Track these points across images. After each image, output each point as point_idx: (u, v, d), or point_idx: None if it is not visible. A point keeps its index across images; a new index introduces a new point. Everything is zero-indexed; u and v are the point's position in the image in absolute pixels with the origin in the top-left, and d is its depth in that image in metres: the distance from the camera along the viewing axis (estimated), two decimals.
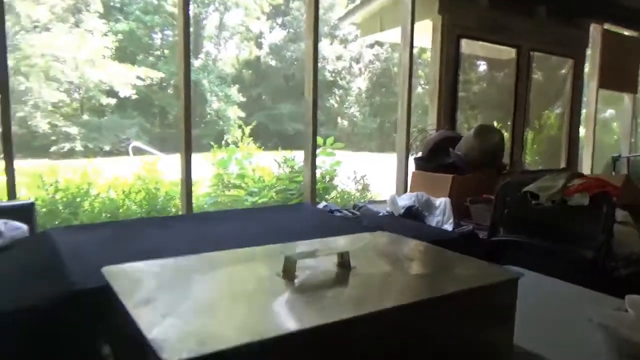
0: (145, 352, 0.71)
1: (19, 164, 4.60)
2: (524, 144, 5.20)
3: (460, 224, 3.01)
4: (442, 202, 3.11)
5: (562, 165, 5.46)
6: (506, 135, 5.02)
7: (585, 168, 5.57)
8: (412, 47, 3.98)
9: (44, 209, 3.66)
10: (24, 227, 2.26)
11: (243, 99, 16.44)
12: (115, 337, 0.79)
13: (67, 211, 3.72)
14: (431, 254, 1.16)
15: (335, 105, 18.89)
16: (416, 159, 3.85)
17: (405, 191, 3.82)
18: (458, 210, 3.17)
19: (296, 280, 0.90)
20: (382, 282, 0.94)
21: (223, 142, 5.23)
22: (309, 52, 3.57)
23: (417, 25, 4.01)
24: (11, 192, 2.74)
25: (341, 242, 1.22)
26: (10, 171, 2.75)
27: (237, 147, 5.20)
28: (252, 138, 5.57)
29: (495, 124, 4.99)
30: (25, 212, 2.41)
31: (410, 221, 2.82)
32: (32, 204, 2.46)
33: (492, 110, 5.55)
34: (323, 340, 0.72)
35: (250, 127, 5.71)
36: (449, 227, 2.92)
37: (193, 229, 2.04)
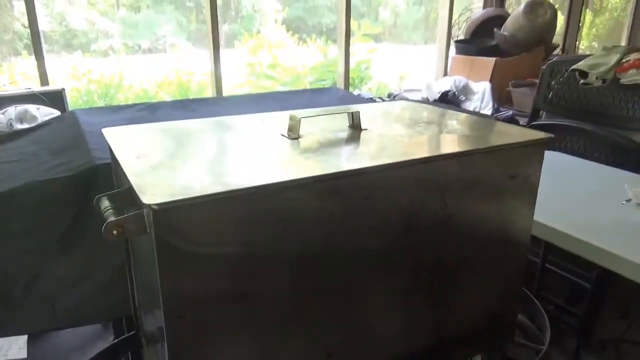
0: (135, 201, 0.70)
1: (60, 60, 4.64)
2: (580, 26, 4.72)
3: (499, 110, 2.84)
4: (481, 87, 2.92)
5: None
6: (561, 17, 4.55)
7: None
8: None
9: (80, 101, 3.73)
10: (56, 112, 2.30)
11: None
12: (116, 194, 0.78)
13: (102, 102, 3.78)
14: (454, 118, 1.06)
15: None
16: (457, 42, 3.58)
17: (445, 77, 3.61)
18: (499, 96, 2.98)
19: (301, 139, 0.85)
20: (394, 141, 0.87)
21: (255, 30, 5.01)
22: None
23: None
24: (43, 80, 2.77)
25: (356, 108, 1.14)
26: (40, 61, 2.76)
27: (270, 36, 4.99)
28: (285, 26, 5.31)
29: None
30: (56, 98, 2.44)
31: (446, 106, 2.68)
32: (62, 90, 2.48)
33: None
34: (315, 193, 0.67)
35: (283, 14, 5.42)
36: (487, 112, 2.76)
37: (218, 109, 2.00)
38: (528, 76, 2.98)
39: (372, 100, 2.89)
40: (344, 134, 0.90)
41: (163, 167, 0.70)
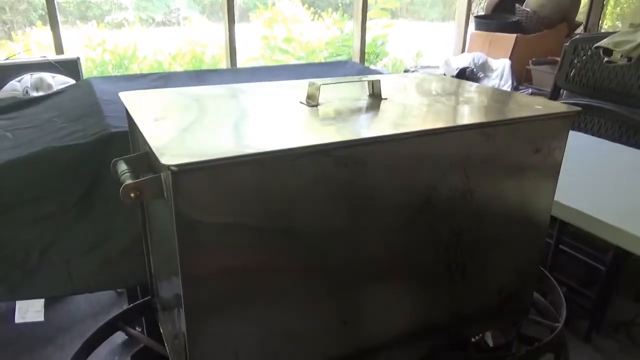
0: (153, 165, 0.69)
1: (74, 31, 4.63)
2: (605, 4, 4.57)
3: (518, 88, 2.78)
4: (501, 64, 2.85)
5: None
6: None
7: None
8: None
9: (95, 71, 3.73)
10: (72, 80, 2.30)
11: None
12: (133, 158, 0.77)
13: (117, 72, 3.77)
14: (477, 90, 1.04)
15: None
16: (477, 18, 3.49)
17: (463, 53, 3.53)
18: (519, 74, 2.91)
19: (319, 107, 0.83)
20: (416, 111, 0.84)
21: (270, 3, 4.94)
22: None
23: None
24: (58, 50, 2.76)
25: (376, 77, 1.11)
26: (55, 30, 2.75)
27: (285, 10, 4.92)
28: (300, 0, 5.23)
29: None
30: (71, 67, 2.44)
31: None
32: (77, 59, 2.47)
33: None
34: (335, 160, 0.66)
35: None
36: (506, 90, 2.70)
37: (232, 80, 1.98)
38: (549, 54, 2.90)
39: (388, 74, 2.84)
40: (364, 102, 0.88)
41: (181, 130, 0.69)
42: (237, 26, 3.19)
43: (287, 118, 0.78)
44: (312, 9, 5.68)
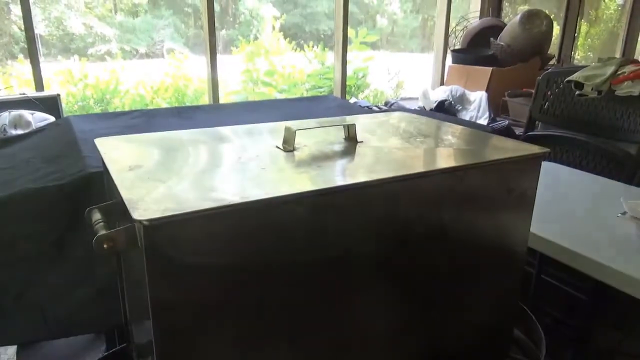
0: (126, 215, 0.69)
1: (57, 65, 4.63)
2: (576, 36, 4.75)
3: (495, 120, 2.84)
4: (478, 96, 2.93)
5: None
6: (557, 27, 4.58)
7: None
8: None
9: (76, 106, 3.72)
10: (51, 118, 2.29)
11: None
12: (107, 207, 0.77)
13: (98, 107, 3.77)
14: (450, 131, 1.06)
15: (375, 1, 17.72)
16: (453, 51, 3.59)
17: (441, 86, 3.61)
18: (495, 105, 2.99)
19: (296, 152, 0.84)
20: (390, 155, 0.86)
21: (252, 36, 5.02)
22: None
23: None
24: (38, 86, 2.76)
25: (352, 119, 1.13)
26: (35, 66, 2.75)
27: (267, 42, 5.00)
28: (282, 33, 5.32)
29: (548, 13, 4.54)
30: (51, 104, 2.43)
31: (442, 115, 2.68)
32: (57, 96, 2.47)
33: (545, 2, 5.03)
34: (310, 208, 0.67)
35: (280, 20, 5.43)
36: (483, 122, 2.76)
37: (214, 117, 2.00)
38: (524, 86, 2.99)
39: (368, 108, 2.89)
40: (340, 146, 0.89)
41: (155, 180, 0.69)
42: (220, 58, 3.22)
43: (264, 164, 0.78)
44: (293, 42, 5.79)
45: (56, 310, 1.27)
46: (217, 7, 3.23)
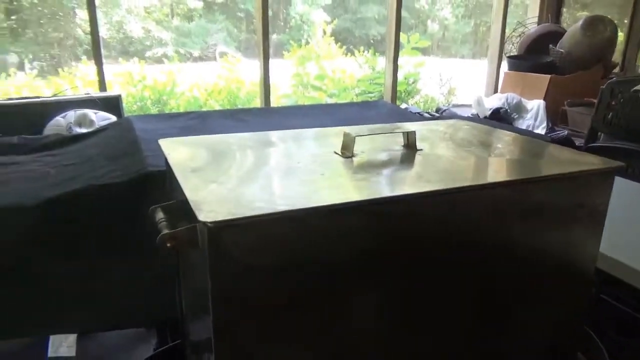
0: (189, 215, 0.70)
1: (117, 67, 4.86)
2: None
3: (554, 129, 2.73)
4: (535, 104, 2.82)
5: None
6: (621, 34, 4.36)
7: None
8: None
9: (135, 106, 3.88)
10: (113, 117, 2.39)
11: (328, 1, 15.71)
12: (169, 206, 0.79)
13: (155, 108, 3.91)
14: (512, 141, 1.03)
15: (426, 6, 17.48)
16: (510, 58, 3.48)
17: (495, 93, 3.51)
18: (554, 114, 2.87)
19: (354, 158, 0.84)
20: (452, 164, 0.84)
21: (303, 41, 5.07)
22: None
23: None
24: (101, 86, 2.89)
25: (410, 126, 1.12)
26: (99, 68, 2.88)
27: (318, 47, 5.04)
28: (333, 38, 5.35)
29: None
30: (113, 104, 2.54)
31: (497, 123, 2.60)
32: (118, 96, 2.57)
33: (607, 8, 4.80)
34: (369, 216, 0.66)
35: (331, 25, 5.46)
36: (541, 131, 2.66)
37: (267, 120, 2.03)
38: (585, 95, 2.86)
39: (420, 115, 2.85)
40: (399, 154, 0.88)
41: (217, 182, 0.70)
42: (271, 62, 3.27)
43: (323, 170, 0.78)
44: (344, 47, 5.79)
45: (113, 303, 1.32)
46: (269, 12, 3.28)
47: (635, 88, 2.15)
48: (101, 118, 2.36)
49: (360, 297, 0.69)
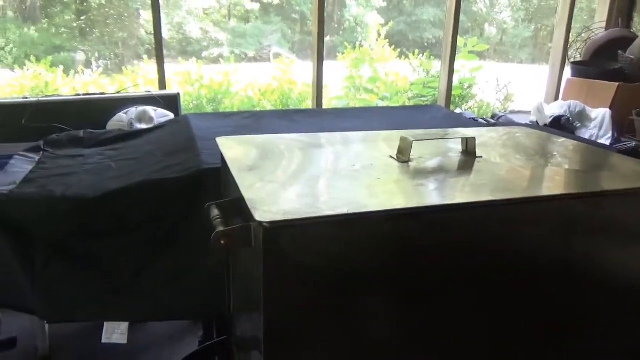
0: (243, 213, 0.71)
1: (176, 66, 5.04)
2: None
3: (620, 140, 2.58)
4: (600, 113, 2.67)
5: None
6: None
7: None
8: None
9: (191, 104, 4.00)
10: (171, 114, 2.47)
11: (383, 4, 15.62)
12: (225, 203, 0.80)
13: (210, 107, 4.02)
14: (580, 150, 0.97)
15: (484, 9, 17.02)
16: (574, 64, 3.32)
17: (557, 100, 3.36)
18: (620, 125, 2.71)
19: (411, 163, 0.82)
20: (513, 173, 0.80)
21: (356, 44, 5.05)
22: None
23: None
24: (161, 85, 2.99)
25: (469, 131, 1.08)
26: (160, 67, 2.99)
27: (372, 49, 5.01)
28: (387, 40, 5.30)
29: None
30: (172, 102, 2.62)
31: (558, 132, 2.48)
32: (177, 95, 2.65)
33: None
34: (427, 224, 0.64)
35: (387, 27, 5.42)
36: (605, 141, 2.52)
37: (319, 121, 2.03)
38: None
39: (475, 120, 2.76)
40: (457, 160, 0.85)
41: (273, 182, 0.71)
42: (325, 63, 3.26)
43: (379, 174, 0.77)
44: (399, 49, 5.73)
45: (165, 294, 1.36)
46: None
47: None
48: (160, 115, 2.44)
49: (412, 305, 0.68)
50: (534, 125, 2.67)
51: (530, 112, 3.10)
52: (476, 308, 0.71)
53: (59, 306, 1.34)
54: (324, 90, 3.37)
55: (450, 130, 1.01)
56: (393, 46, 5.47)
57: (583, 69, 3.21)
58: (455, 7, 3.24)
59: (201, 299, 1.35)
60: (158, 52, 2.97)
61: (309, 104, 3.99)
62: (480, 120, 2.84)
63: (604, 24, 3.59)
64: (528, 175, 0.79)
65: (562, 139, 1.05)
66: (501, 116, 3.08)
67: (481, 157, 0.86)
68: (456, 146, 0.91)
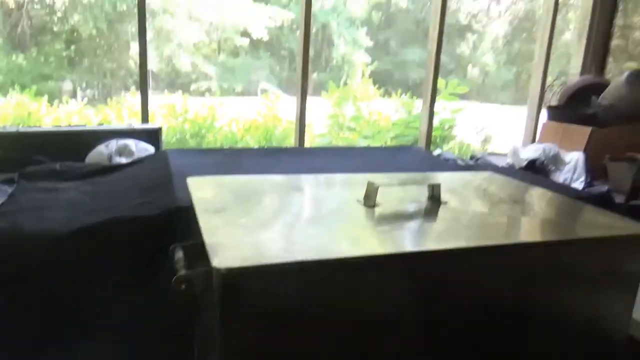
0: (206, 257, 0.71)
1: (162, 98, 5.08)
2: None
3: (592, 184, 2.64)
4: (574, 157, 2.74)
5: None
6: None
7: None
8: None
9: (174, 138, 4.02)
10: (152, 149, 2.48)
11: (370, 43, 16.04)
12: (190, 246, 0.80)
13: (193, 141, 4.03)
14: (544, 199, 1.00)
15: (467, 51, 17.58)
16: (550, 108, 3.42)
17: (534, 142, 3.45)
18: (593, 169, 2.78)
19: (376, 208, 0.83)
20: (475, 221, 0.82)
21: (342, 82, 5.16)
22: None
23: None
24: (144, 118, 3.00)
25: (437, 177, 1.10)
26: (144, 99, 3.01)
27: (356, 88, 5.12)
28: (371, 79, 5.43)
29: None
30: (154, 135, 2.63)
31: (532, 175, 2.54)
32: (159, 129, 2.67)
33: None
34: (384, 271, 0.64)
35: (371, 67, 5.55)
36: (579, 185, 2.57)
37: (298, 160, 2.05)
38: (628, 150, 2.76)
39: (454, 161, 2.81)
40: (422, 206, 0.87)
41: (237, 226, 0.71)
42: (310, 100, 3.30)
43: (343, 220, 0.78)
44: (382, 88, 5.86)
45: (130, 337, 1.32)
46: (311, 52, 3.36)
47: None
48: (141, 149, 2.44)
49: (369, 350, 0.67)
50: (510, 168, 2.73)
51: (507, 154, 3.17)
52: (436, 352, 0.71)
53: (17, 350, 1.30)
54: (308, 128, 3.41)
55: (419, 175, 1.03)
56: (377, 84, 5.60)
57: (558, 113, 3.31)
58: (436, 50, 3.34)
59: (167, 346, 1.32)
60: (142, 84, 2.99)
61: (292, 141, 4.04)
62: (459, 162, 2.89)
63: (579, 70, 3.74)
64: (491, 222, 0.81)
65: (530, 187, 1.08)
66: (479, 158, 3.14)
67: (446, 203, 0.88)
68: (424, 191, 0.93)
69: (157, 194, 1.51)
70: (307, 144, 3.50)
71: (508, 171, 2.67)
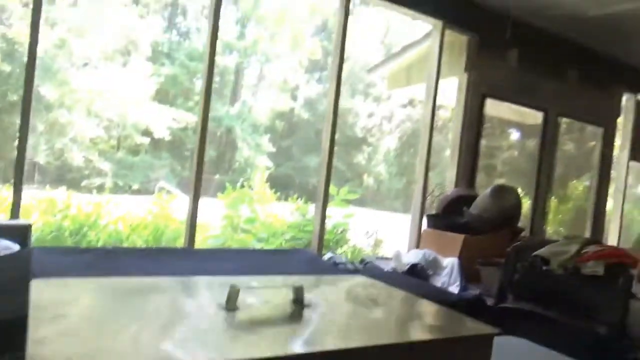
0: None
1: (44, 193, 4.72)
2: (546, 212, 4.99)
3: (466, 288, 2.83)
4: (450, 262, 2.95)
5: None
6: (528, 202, 4.86)
7: (611, 242, 5.28)
8: (435, 102, 3.95)
9: (50, 235, 3.68)
10: (15, 247, 2.24)
11: (273, 149, 16.72)
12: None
13: (72, 239, 3.72)
14: (404, 302, 1.04)
15: (363, 162, 18.96)
16: (428, 216, 3.72)
17: (417, 248, 3.67)
18: (468, 273, 3.00)
19: (238, 312, 0.81)
20: (334, 324, 0.83)
21: (238, 184, 5.21)
22: (330, 96, 3.58)
23: (446, 83, 4.00)
24: (15, 213, 2.75)
25: (305, 280, 1.12)
26: (17, 193, 2.78)
27: (252, 190, 5.18)
28: (268, 183, 5.55)
29: (520, 190, 4.83)
30: (21, 233, 2.40)
31: (413, 279, 2.67)
32: (28, 226, 2.45)
33: (520, 177, 5.41)
34: None
35: (272, 171, 5.71)
36: (455, 289, 2.74)
37: (180, 262, 1.97)
38: (496, 255, 3.04)
39: (343, 265, 2.88)
40: (285, 310, 0.86)
41: (72, 336, 0.65)
42: (209, 201, 3.28)
43: (199, 325, 0.75)
44: (279, 192, 6.00)
45: None
46: (213, 153, 3.41)
47: (535, 253, 2.32)
48: (3, 247, 2.21)
49: None
50: (392, 273, 2.85)
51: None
52: None
53: None
54: (201, 228, 3.34)
55: (281, 279, 1.04)
56: (275, 189, 5.73)
57: (436, 221, 3.60)
58: (328, 157, 3.56)
59: None
60: (17, 177, 2.78)
61: (182, 241, 3.91)
62: (349, 265, 2.96)
63: (453, 182, 4.16)
64: (349, 325, 0.82)
65: (394, 291, 1.13)
66: (368, 262, 3.25)
67: (309, 306, 0.89)
68: (290, 294, 0.93)
69: (4, 299, 1.36)
70: (198, 245, 3.40)
71: (391, 275, 2.79)
